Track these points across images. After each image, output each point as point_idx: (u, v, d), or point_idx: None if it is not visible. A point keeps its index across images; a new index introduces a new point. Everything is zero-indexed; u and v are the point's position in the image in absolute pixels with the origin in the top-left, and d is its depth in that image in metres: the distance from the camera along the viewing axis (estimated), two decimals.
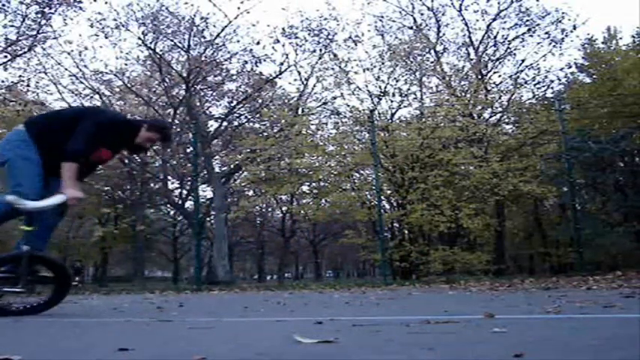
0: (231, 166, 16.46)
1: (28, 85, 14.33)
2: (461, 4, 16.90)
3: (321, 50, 15.47)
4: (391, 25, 16.80)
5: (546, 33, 16.46)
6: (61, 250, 27.33)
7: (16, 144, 3.15)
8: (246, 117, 17.29)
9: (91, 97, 16.15)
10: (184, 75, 14.87)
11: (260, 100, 16.28)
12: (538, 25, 16.47)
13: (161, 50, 15.42)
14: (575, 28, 16.42)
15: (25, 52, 13.16)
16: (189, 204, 19.28)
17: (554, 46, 16.50)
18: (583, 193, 14.08)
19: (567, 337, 1.49)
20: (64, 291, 3.21)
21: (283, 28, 15.30)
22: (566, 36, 16.49)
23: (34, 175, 3.09)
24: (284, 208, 26.18)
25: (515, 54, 16.91)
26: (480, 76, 15.59)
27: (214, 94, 16.86)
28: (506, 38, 16.90)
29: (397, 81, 14.91)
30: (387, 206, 15.07)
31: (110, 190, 23.07)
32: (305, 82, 16.69)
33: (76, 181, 3.12)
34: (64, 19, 13.21)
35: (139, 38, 15.07)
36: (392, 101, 15.15)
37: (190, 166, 13.92)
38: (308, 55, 15.72)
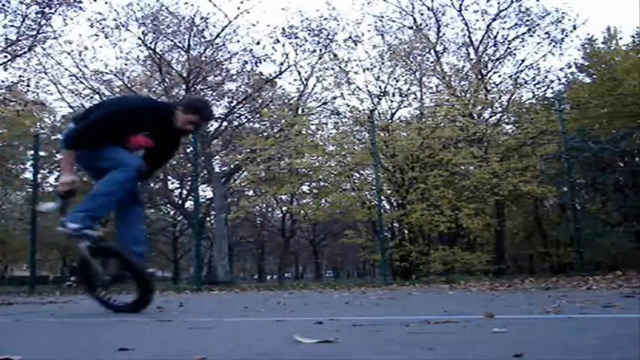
0: (231, 166, 16.46)
1: (28, 85, 14.34)
2: (461, 4, 16.92)
3: (321, 50, 15.49)
4: (391, 25, 16.83)
5: (546, 33, 16.48)
6: (61, 250, 27.37)
7: None
8: (246, 117, 17.29)
9: (91, 97, 16.15)
10: (184, 75, 14.87)
11: (260, 100, 16.29)
12: (538, 25, 16.49)
13: (161, 50, 15.44)
14: (575, 28, 16.45)
15: (25, 52, 13.17)
16: (189, 204, 19.30)
17: (554, 46, 16.53)
18: (583, 193, 14.07)
19: (567, 337, 1.49)
20: (146, 289, 3.03)
21: (283, 28, 15.33)
22: (566, 36, 16.52)
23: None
24: (284, 208, 26.20)
25: (515, 54, 16.95)
26: (479, 76, 15.60)
27: (214, 94, 16.86)
28: (506, 38, 16.92)
29: (397, 81, 14.93)
30: (387, 206, 15.07)
31: None
32: (305, 82, 16.71)
33: (70, 166, 3.09)
34: (64, 19, 13.24)
35: (139, 38, 15.10)
36: (392, 101, 15.16)
37: (190, 166, 13.93)
38: (308, 55, 15.74)
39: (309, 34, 15.38)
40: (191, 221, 15.45)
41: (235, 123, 17.27)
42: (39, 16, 12.63)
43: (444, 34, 17.14)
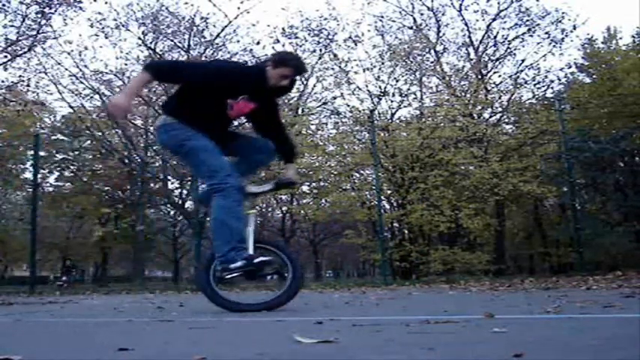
0: None
1: (28, 85, 14.32)
2: (461, 4, 16.91)
3: (321, 50, 15.47)
4: (391, 25, 16.81)
5: (546, 33, 16.46)
6: (61, 250, 27.38)
7: None
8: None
9: (91, 97, 16.15)
10: None
11: None
12: (538, 25, 16.47)
13: (161, 50, 15.42)
14: (575, 28, 16.42)
15: (25, 52, 13.16)
16: (189, 204, 19.28)
17: (554, 46, 16.51)
18: (583, 193, 14.08)
19: (567, 337, 1.49)
20: (293, 285, 2.95)
21: (283, 28, 15.31)
22: (566, 36, 16.50)
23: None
24: (284, 208, 26.19)
25: (515, 54, 16.93)
26: (480, 76, 15.59)
27: None
28: (506, 38, 16.91)
29: (397, 81, 14.92)
30: (387, 206, 15.06)
31: (110, 190, 23.08)
32: (305, 82, 16.69)
33: (132, 91, 3.00)
34: (64, 19, 13.21)
35: (139, 38, 15.08)
36: (392, 101, 15.15)
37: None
38: (308, 55, 15.70)
39: (309, 34, 15.37)
40: (191, 221, 15.43)
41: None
42: (39, 16, 12.62)
43: (444, 34, 17.15)
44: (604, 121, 14.70)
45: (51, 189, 23.18)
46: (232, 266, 2.78)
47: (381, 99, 15.06)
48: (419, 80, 15.16)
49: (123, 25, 14.85)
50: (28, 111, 15.00)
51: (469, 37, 17.16)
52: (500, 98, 15.52)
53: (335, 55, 15.22)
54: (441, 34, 17.04)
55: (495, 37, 17.07)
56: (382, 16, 16.75)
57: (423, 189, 12.14)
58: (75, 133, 19.50)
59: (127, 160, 17.16)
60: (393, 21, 16.94)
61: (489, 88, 15.82)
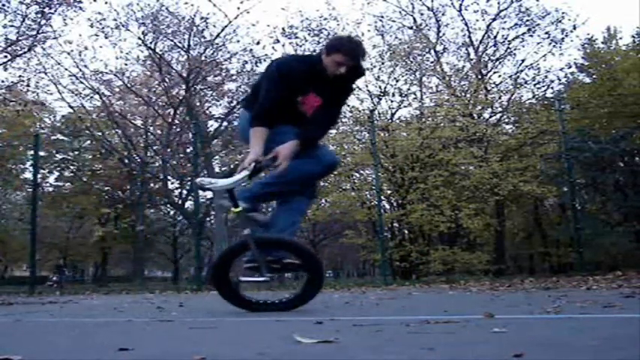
0: (231, 166, 16.45)
1: (28, 85, 14.33)
2: (461, 4, 16.92)
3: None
4: (391, 25, 16.82)
5: (546, 33, 16.48)
6: (61, 250, 27.40)
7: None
8: None
9: (91, 97, 16.15)
10: (184, 75, 14.87)
11: None
12: (538, 25, 16.50)
13: (161, 50, 15.43)
14: (575, 28, 16.46)
15: (25, 52, 13.16)
16: (189, 204, 19.28)
17: (554, 46, 16.53)
18: (583, 193, 14.09)
19: (567, 337, 1.49)
20: (315, 282, 2.81)
21: (283, 28, 15.31)
22: (566, 36, 16.52)
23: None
24: None
25: (515, 54, 16.96)
26: (479, 76, 15.60)
27: (214, 94, 16.86)
28: (506, 38, 16.93)
29: (397, 81, 14.93)
30: (387, 206, 15.07)
31: (110, 190, 23.09)
32: None
33: (257, 143, 2.77)
34: (64, 19, 13.22)
35: (139, 38, 15.09)
36: (392, 101, 15.16)
37: (190, 166, 13.92)
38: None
39: (309, 34, 15.37)
40: (191, 221, 15.43)
41: (235, 123, 17.26)
42: (39, 16, 12.62)
43: (444, 34, 17.16)
44: (604, 121, 14.71)
45: (51, 189, 23.17)
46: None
47: (381, 99, 15.07)
48: (419, 80, 15.17)
49: (123, 25, 14.87)
50: (28, 111, 15.00)
51: (469, 37, 17.18)
52: (500, 98, 15.54)
53: None
54: (441, 34, 17.06)
55: (495, 37, 17.10)
56: (382, 16, 16.77)
57: (423, 189, 12.14)
58: (75, 133, 19.51)
59: (126, 160, 17.16)
60: (393, 21, 16.96)
61: (489, 88, 15.83)
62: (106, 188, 22.68)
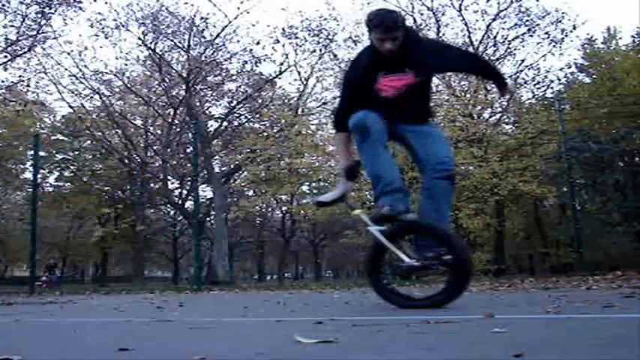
0: (231, 166, 16.46)
1: (28, 85, 14.35)
2: (461, 4, 16.91)
3: (321, 50, 15.49)
4: None
5: (546, 33, 16.47)
6: (61, 250, 27.40)
7: None
8: (246, 117, 17.29)
9: (91, 97, 16.16)
10: (184, 75, 14.88)
11: (260, 100, 16.29)
12: (538, 25, 16.48)
13: (161, 50, 15.45)
14: (574, 28, 16.43)
15: (25, 52, 13.17)
16: (189, 204, 19.28)
17: (554, 46, 16.52)
18: (583, 193, 14.09)
19: (567, 337, 1.49)
20: (461, 278, 2.58)
21: (283, 28, 15.33)
22: (566, 36, 16.50)
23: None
24: (284, 208, 26.19)
25: (515, 54, 16.94)
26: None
27: (214, 94, 16.87)
28: (506, 38, 16.92)
29: None
30: None
31: (110, 190, 23.09)
32: (305, 82, 16.71)
33: (342, 151, 2.98)
34: (64, 19, 13.23)
35: (139, 38, 15.11)
36: None
37: (190, 166, 13.93)
38: (308, 55, 15.73)
39: (309, 34, 15.38)
40: (191, 221, 15.44)
41: (235, 123, 17.28)
42: (39, 16, 12.63)
43: (444, 34, 17.14)
44: (604, 121, 14.72)
45: (51, 189, 23.19)
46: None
47: None
48: None
49: (123, 25, 14.88)
50: (28, 111, 15.01)
51: (469, 37, 17.17)
52: (500, 98, 15.53)
53: (335, 55, 15.23)
54: (441, 34, 17.04)
55: (495, 37, 17.08)
56: None
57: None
58: (75, 133, 19.51)
59: (126, 160, 17.16)
60: None
61: (489, 88, 15.82)
62: (106, 188, 22.68)
